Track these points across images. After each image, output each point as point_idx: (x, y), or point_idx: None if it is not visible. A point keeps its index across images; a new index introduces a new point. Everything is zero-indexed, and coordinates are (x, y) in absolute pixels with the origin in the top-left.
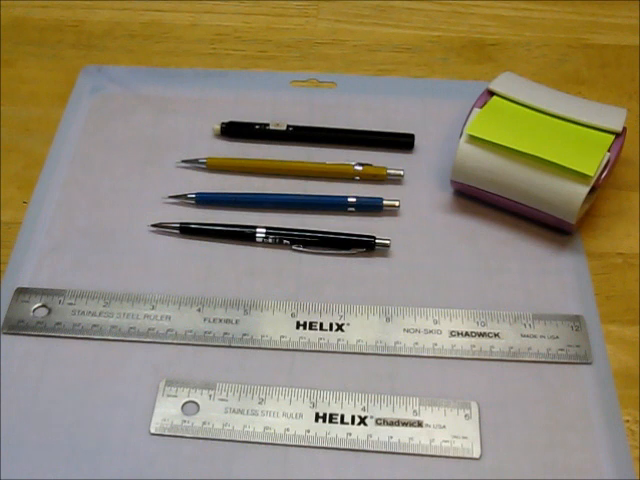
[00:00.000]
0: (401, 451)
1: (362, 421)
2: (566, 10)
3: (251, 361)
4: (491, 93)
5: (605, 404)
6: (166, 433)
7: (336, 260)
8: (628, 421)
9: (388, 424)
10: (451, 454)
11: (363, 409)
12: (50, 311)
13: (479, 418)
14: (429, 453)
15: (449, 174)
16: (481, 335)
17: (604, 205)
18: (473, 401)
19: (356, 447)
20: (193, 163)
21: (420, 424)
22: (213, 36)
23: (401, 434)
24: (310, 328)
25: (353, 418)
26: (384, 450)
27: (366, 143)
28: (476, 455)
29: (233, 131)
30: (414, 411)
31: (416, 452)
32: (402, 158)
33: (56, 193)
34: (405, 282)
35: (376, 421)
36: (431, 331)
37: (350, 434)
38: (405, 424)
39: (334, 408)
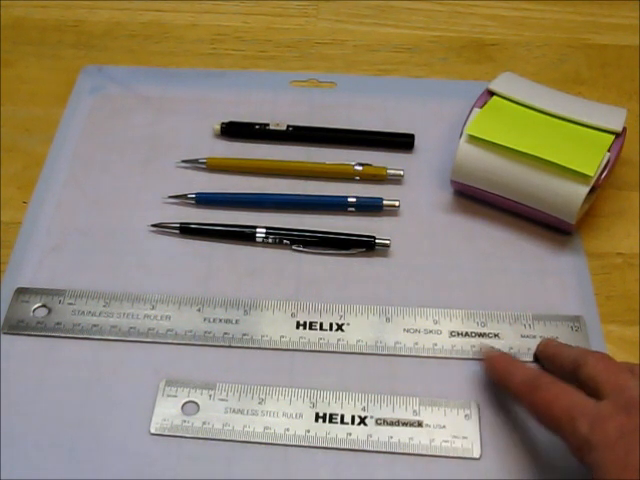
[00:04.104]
0: (401, 451)
1: (362, 421)
2: (566, 10)
3: (251, 361)
4: (491, 93)
5: None
6: (166, 433)
7: (336, 260)
8: None
9: (388, 424)
10: (451, 454)
11: (363, 409)
12: (50, 311)
13: (479, 418)
14: (429, 453)
15: (449, 174)
16: (481, 335)
17: (604, 205)
18: (473, 401)
19: (356, 447)
20: (193, 163)
21: (420, 424)
22: (213, 36)
23: (401, 434)
24: (310, 328)
25: (353, 418)
26: (384, 450)
27: (366, 143)
28: (476, 455)
29: (233, 131)
30: (414, 411)
31: (416, 452)
32: (402, 158)
33: (56, 193)
34: (405, 282)
35: (376, 421)
36: (431, 331)
37: (350, 434)
38: (405, 424)
39: (334, 408)
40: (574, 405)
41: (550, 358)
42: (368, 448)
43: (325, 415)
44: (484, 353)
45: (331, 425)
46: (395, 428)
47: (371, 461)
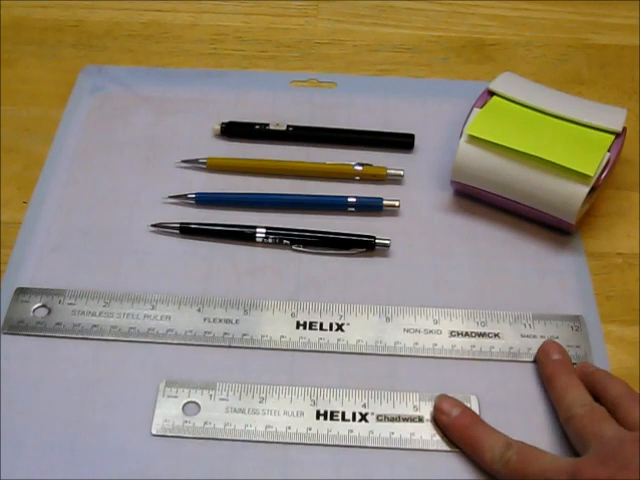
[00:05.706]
0: (403, 447)
1: (363, 418)
2: (566, 10)
3: (251, 361)
4: (491, 93)
5: None
6: (168, 434)
7: (336, 260)
8: None
9: (389, 420)
10: (453, 448)
11: (364, 406)
12: (50, 311)
13: (479, 412)
14: (431, 448)
15: (449, 174)
16: (481, 335)
17: (604, 205)
18: (473, 395)
19: (358, 444)
20: (193, 163)
21: (421, 419)
22: (213, 36)
23: (402, 430)
24: (310, 328)
25: (354, 415)
26: (385, 446)
27: (366, 143)
28: None
29: (233, 131)
30: (414, 406)
31: (418, 447)
32: (402, 158)
33: (56, 193)
34: (405, 282)
35: (377, 417)
36: (431, 331)
37: (351, 431)
38: (406, 419)
39: (335, 405)
40: (546, 468)
41: (545, 382)
42: (369, 444)
43: (326, 412)
44: (444, 421)
45: (332, 422)
46: (396, 424)
47: (372, 457)
